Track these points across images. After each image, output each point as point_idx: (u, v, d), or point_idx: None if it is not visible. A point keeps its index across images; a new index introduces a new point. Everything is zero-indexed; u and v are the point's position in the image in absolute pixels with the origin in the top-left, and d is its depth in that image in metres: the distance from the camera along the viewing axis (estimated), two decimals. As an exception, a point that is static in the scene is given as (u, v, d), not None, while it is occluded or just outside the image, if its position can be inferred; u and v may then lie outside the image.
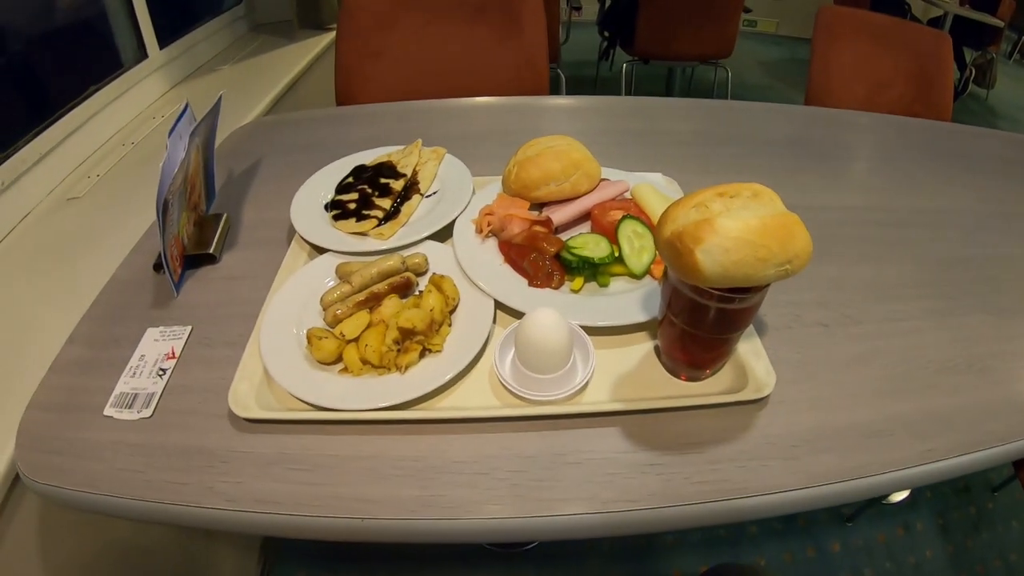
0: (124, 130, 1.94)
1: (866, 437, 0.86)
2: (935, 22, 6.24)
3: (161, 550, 1.45)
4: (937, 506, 2.30)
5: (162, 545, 1.46)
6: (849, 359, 1.00)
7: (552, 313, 0.84)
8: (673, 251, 0.75)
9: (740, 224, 0.72)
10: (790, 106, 1.94)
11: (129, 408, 0.86)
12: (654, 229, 1.02)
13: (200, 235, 1.16)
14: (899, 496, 2.32)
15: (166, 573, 1.47)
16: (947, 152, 1.71)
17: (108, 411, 0.86)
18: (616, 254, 1.05)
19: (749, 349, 0.95)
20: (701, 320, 0.82)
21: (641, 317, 0.97)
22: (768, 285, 0.79)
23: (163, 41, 2.27)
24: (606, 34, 4.88)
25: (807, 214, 1.26)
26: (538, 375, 0.84)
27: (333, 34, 2.59)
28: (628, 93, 4.71)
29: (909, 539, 2.19)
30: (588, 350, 0.90)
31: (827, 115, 1.92)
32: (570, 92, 1.82)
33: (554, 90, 1.91)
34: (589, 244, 1.05)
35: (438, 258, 1.09)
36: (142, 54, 2.17)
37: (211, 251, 1.13)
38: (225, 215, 1.22)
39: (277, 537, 1.82)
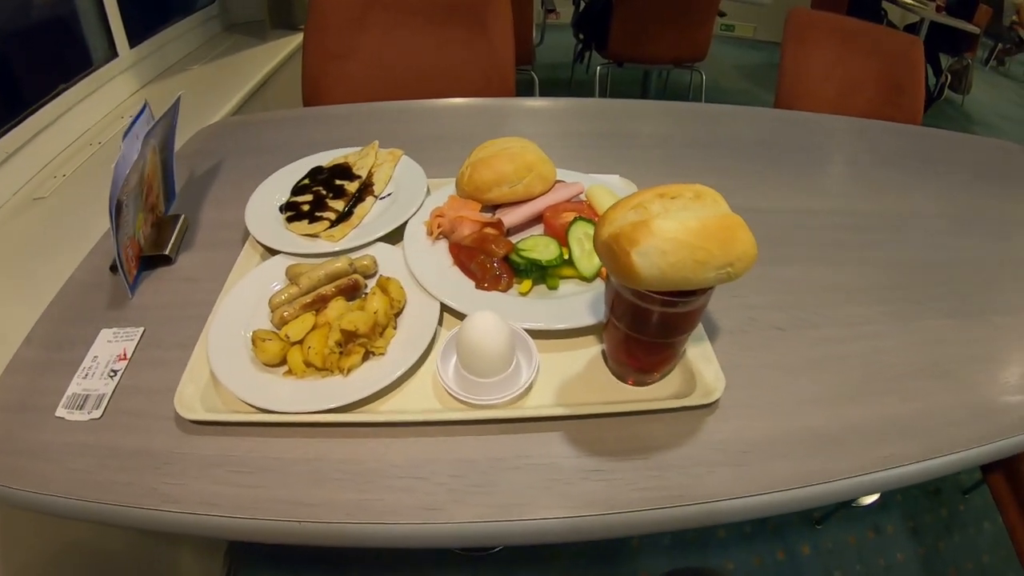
0: (92, 130, 1.93)
1: (820, 444, 0.86)
2: (911, 28, 6.31)
3: (123, 553, 1.45)
4: (907, 508, 2.31)
5: (124, 547, 1.46)
6: (805, 364, 0.99)
7: (491, 316, 0.84)
8: (610, 253, 0.74)
9: (678, 225, 0.72)
10: (758, 108, 1.94)
11: (80, 409, 0.87)
12: (597, 232, 1.04)
13: (157, 236, 1.16)
14: (869, 499, 2.33)
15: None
16: (915, 156, 1.72)
17: (60, 412, 0.87)
18: (566, 256, 1.05)
19: (699, 353, 0.95)
20: (644, 324, 0.81)
21: (589, 320, 0.96)
22: (711, 288, 0.78)
23: (134, 40, 2.26)
24: (581, 36, 4.91)
25: (769, 216, 1.29)
26: (479, 379, 0.84)
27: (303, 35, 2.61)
28: (603, 96, 4.73)
29: (880, 541, 2.20)
30: (532, 353, 0.90)
31: (795, 118, 1.93)
32: (544, 94, 1.83)
33: (528, 92, 1.91)
34: (538, 246, 1.06)
35: (388, 260, 1.08)
36: (112, 53, 2.16)
37: (167, 252, 1.13)
38: (183, 216, 1.22)
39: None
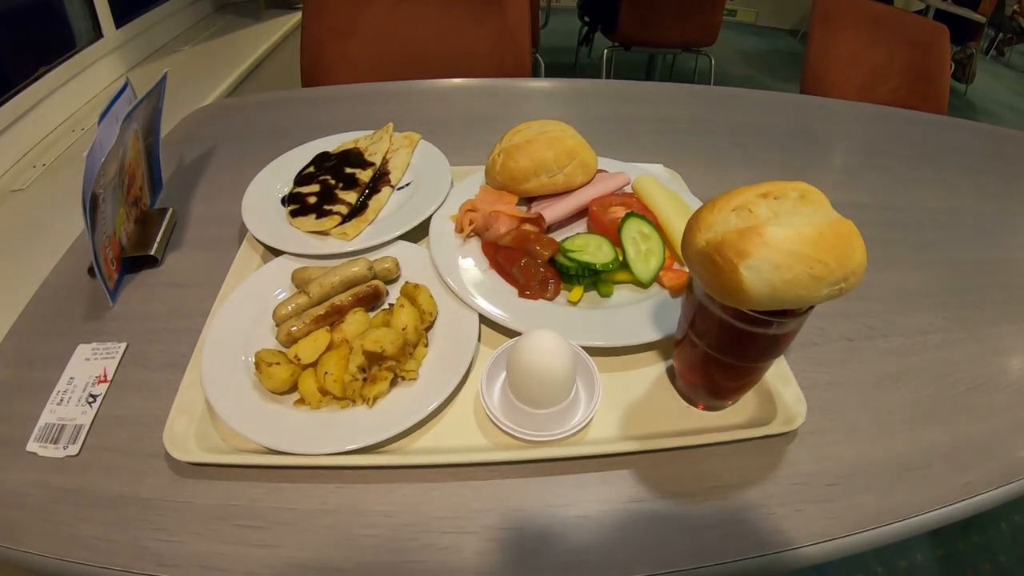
0: (75, 116, 1.85)
1: (905, 471, 0.79)
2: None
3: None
4: None
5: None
6: (879, 379, 0.92)
7: (553, 337, 0.70)
8: (710, 265, 0.60)
9: (794, 234, 0.58)
10: (787, 95, 1.85)
11: (55, 443, 0.77)
12: (662, 230, 0.92)
13: (141, 234, 1.04)
14: None
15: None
16: (947, 148, 1.64)
17: (31, 446, 0.77)
18: (620, 258, 0.92)
19: (776, 372, 0.85)
20: (730, 344, 0.69)
21: (653, 335, 0.85)
22: (812, 307, 0.66)
23: (120, 20, 2.17)
24: (586, 19, 4.84)
25: None
26: (535, 410, 0.71)
27: (300, 14, 2.51)
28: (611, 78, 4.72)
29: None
30: (593, 378, 0.77)
31: (827, 105, 1.84)
32: (549, 78, 1.73)
33: (534, 75, 1.80)
34: (590, 247, 0.92)
35: (411, 262, 0.96)
36: (97, 34, 2.07)
37: (152, 252, 1.01)
38: (171, 210, 1.11)
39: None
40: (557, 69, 5.46)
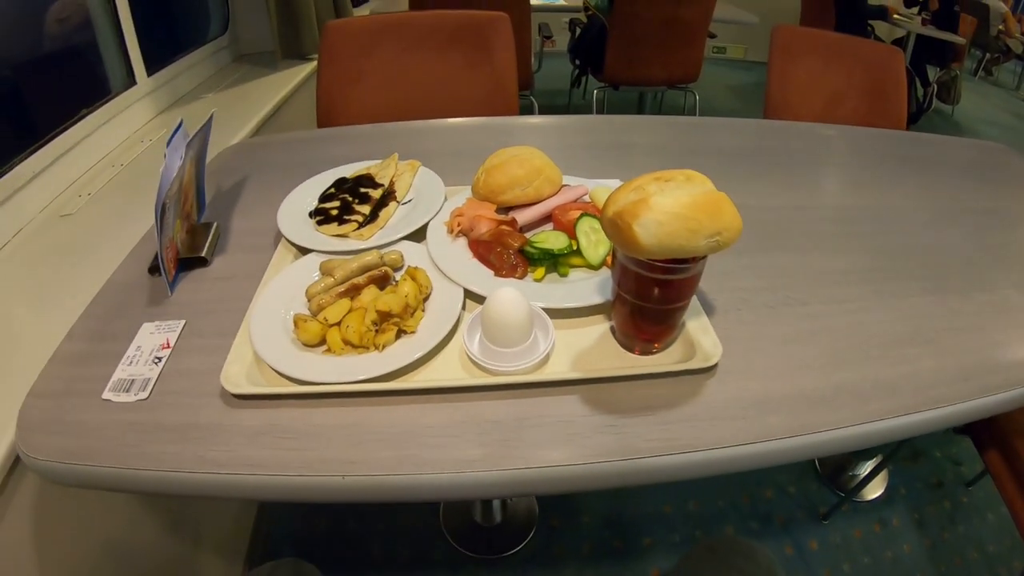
0: (114, 152, 1.99)
1: (812, 402, 0.94)
2: (898, 42, 6.49)
3: (148, 551, 1.50)
4: (912, 502, 2.38)
5: (150, 546, 1.50)
6: (796, 335, 1.08)
7: (512, 291, 0.93)
8: (615, 228, 0.85)
9: (672, 201, 0.82)
10: (748, 120, 2.04)
11: (127, 392, 0.92)
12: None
13: (192, 241, 1.24)
14: (874, 493, 2.39)
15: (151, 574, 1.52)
16: (898, 158, 1.82)
17: (106, 395, 0.91)
18: (574, 247, 1.15)
19: (697, 326, 1.04)
20: (648, 293, 0.91)
21: (597, 300, 1.06)
22: (705, 258, 0.88)
23: (151, 69, 2.34)
24: (577, 62, 5.05)
25: (759, 212, 1.40)
26: (502, 348, 0.93)
27: (314, 64, 2.74)
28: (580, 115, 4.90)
29: (886, 534, 2.26)
30: (548, 327, 0.99)
31: (783, 127, 2.04)
32: (526, 115, 1.93)
33: (525, 115, 2.01)
34: (550, 238, 1.15)
35: (413, 255, 1.17)
36: (131, 81, 2.23)
37: (203, 254, 1.20)
38: (215, 224, 1.30)
39: (263, 544, 1.89)
40: (551, 110, 5.61)
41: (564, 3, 4.83)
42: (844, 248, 1.34)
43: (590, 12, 4.61)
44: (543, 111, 3.97)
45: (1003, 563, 2.20)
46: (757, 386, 0.97)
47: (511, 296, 0.93)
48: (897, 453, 2.54)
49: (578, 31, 5.00)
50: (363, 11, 4.04)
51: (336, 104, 2.11)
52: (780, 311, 1.14)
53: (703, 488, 2.35)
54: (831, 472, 2.47)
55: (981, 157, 1.90)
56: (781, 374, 0.99)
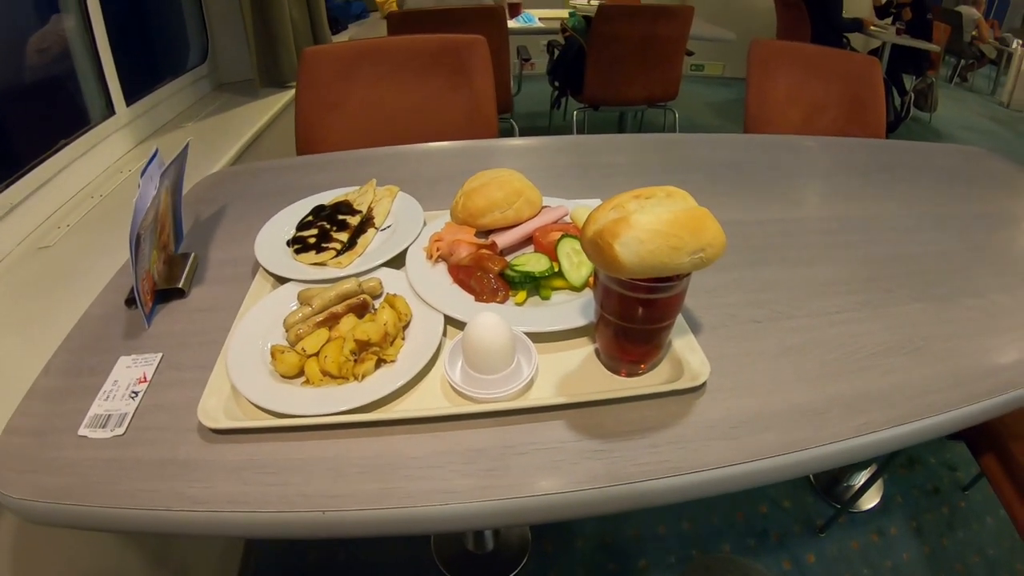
0: (93, 183, 1.99)
1: (804, 416, 0.93)
2: (874, 53, 6.61)
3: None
4: (909, 510, 2.38)
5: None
6: (785, 349, 1.07)
7: (492, 316, 0.92)
8: (596, 248, 0.83)
9: (653, 218, 0.81)
10: (728, 135, 2.05)
11: (103, 428, 0.90)
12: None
13: (169, 272, 1.22)
14: (870, 503, 2.39)
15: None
16: (880, 166, 1.83)
17: (83, 431, 0.89)
18: (556, 269, 1.13)
19: (684, 345, 1.03)
20: (632, 313, 0.90)
21: (581, 322, 1.04)
22: (689, 275, 0.88)
23: (130, 99, 2.34)
24: (556, 83, 5.07)
25: (744, 227, 1.40)
26: (484, 375, 0.91)
27: (293, 91, 2.71)
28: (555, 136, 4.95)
29: (884, 544, 2.25)
30: (531, 352, 0.97)
31: (763, 140, 2.05)
32: (505, 138, 1.93)
33: (505, 137, 2.01)
34: (531, 261, 1.14)
35: (392, 282, 1.15)
36: (110, 111, 2.23)
37: (180, 285, 1.18)
38: (193, 254, 1.28)
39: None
40: (532, 132, 5.60)
41: (542, 25, 4.84)
42: (830, 259, 1.34)
43: (567, 34, 4.65)
44: (524, 133, 4.04)
45: (1004, 566, 2.20)
46: (747, 403, 0.96)
47: (491, 321, 0.91)
48: (892, 462, 2.53)
49: (556, 53, 5.04)
50: (342, 37, 4.06)
51: (315, 131, 2.11)
52: (768, 326, 1.13)
53: (697, 507, 2.34)
54: (826, 484, 2.46)
55: (962, 162, 1.92)
56: (772, 390, 0.99)
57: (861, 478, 2.43)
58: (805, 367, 1.03)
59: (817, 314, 1.16)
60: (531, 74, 5.88)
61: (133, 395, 0.96)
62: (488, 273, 1.12)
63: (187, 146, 1.33)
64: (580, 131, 4.72)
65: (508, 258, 1.18)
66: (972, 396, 0.98)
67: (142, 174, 1.13)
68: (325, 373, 0.95)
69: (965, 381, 1.02)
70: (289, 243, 1.28)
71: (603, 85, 4.36)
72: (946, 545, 2.26)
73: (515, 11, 4.81)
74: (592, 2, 4.40)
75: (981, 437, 1.65)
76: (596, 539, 2.22)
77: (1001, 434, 1.60)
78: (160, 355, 1.04)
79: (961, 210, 1.59)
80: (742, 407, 0.95)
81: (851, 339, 1.10)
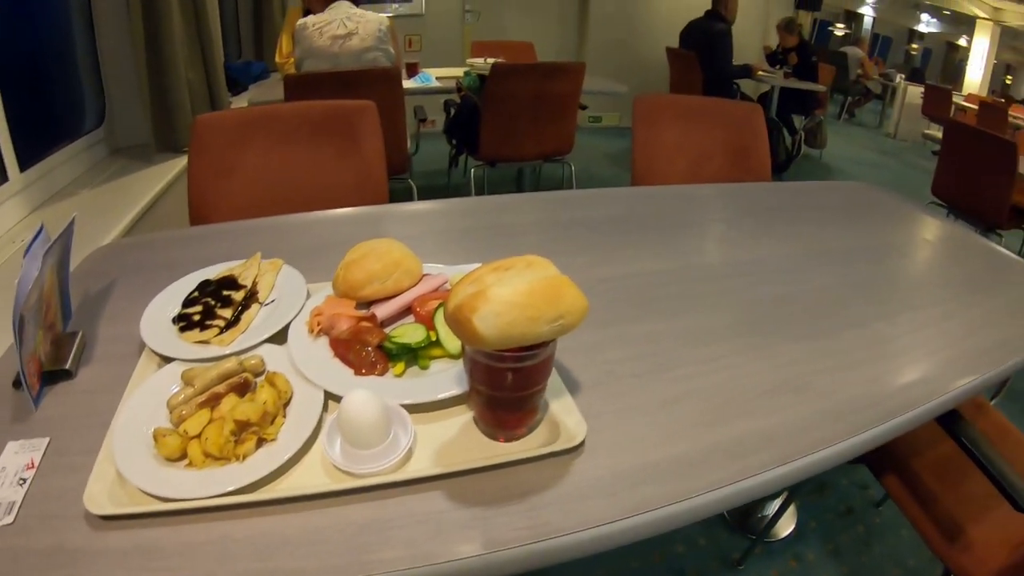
0: None
1: (685, 466, 0.97)
2: (764, 96, 6.91)
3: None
4: (824, 533, 2.45)
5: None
6: (664, 401, 1.11)
7: (363, 392, 0.95)
8: (456, 323, 0.89)
9: (510, 290, 0.87)
10: (617, 189, 2.15)
11: None
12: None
13: (56, 352, 1.21)
14: (785, 531, 2.45)
15: None
16: (763, 208, 1.94)
17: None
18: (433, 338, 1.17)
19: (561, 407, 1.07)
20: (500, 383, 0.94)
21: (459, 390, 1.08)
22: (553, 341, 0.92)
23: (24, 164, 2.32)
24: (453, 142, 5.15)
25: (628, 281, 1.45)
26: (361, 450, 0.94)
27: (188, 157, 2.70)
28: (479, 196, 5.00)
29: (803, 569, 2.31)
30: (407, 424, 1.00)
31: (651, 192, 2.14)
32: (423, 200, 1.95)
33: (406, 200, 2.04)
34: (408, 332, 1.17)
35: (274, 359, 1.17)
36: (3, 177, 2.21)
37: (67, 367, 1.18)
38: (81, 332, 1.28)
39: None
40: (432, 191, 5.77)
41: (439, 85, 4.88)
42: (715, 306, 1.40)
43: (463, 93, 4.71)
44: (423, 192, 4.06)
45: (924, 575, 2.28)
46: (628, 458, 0.99)
47: (362, 398, 0.95)
48: (801, 488, 2.60)
49: (452, 110, 5.09)
50: (241, 100, 4.05)
51: (208, 200, 2.11)
52: (650, 379, 1.17)
53: (612, 553, 2.34)
54: (739, 518, 2.52)
55: (844, 198, 2.04)
56: (653, 443, 1.02)
57: (773, 507, 2.49)
58: (686, 417, 1.08)
59: (699, 362, 1.21)
60: (431, 132, 5.93)
61: (21, 482, 0.95)
62: (367, 346, 1.15)
63: (73, 221, 1.32)
64: (479, 188, 4.77)
65: (388, 329, 1.22)
66: (855, 427, 1.04)
67: (26, 252, 1.14)
68: (207, 455, 0.97)
69: (847, 413, 1.08)
70: (174, 320, 1.29)
71: (498, 143, 4.41)
72: (865, 562, 2.33)
73: (413, 71, 4.86)
74: (488, 61, 4.45)
75: (881, 459, 1.72)
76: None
77: (899, 453, 1.68)
78: (48, 439, 1.03)
79: (842, 245, 1.69)
80: (622, 462, 0.98)
81: (735, 384, 1.15)
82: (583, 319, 0.93)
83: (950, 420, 1.38)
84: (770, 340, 1.28)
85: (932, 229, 2.05)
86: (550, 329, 0.89)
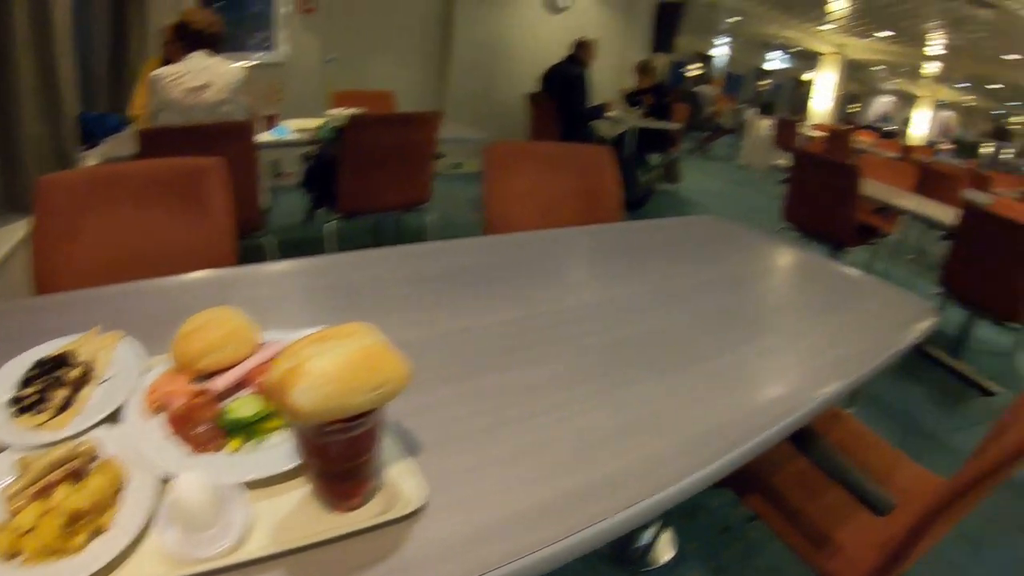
0: None
1: (531, 519, 0.99)
2: (620, 137, 7.21)
3: None
4: (705, 552, 2.53)
5: None
6: (515, 454, 1.13)
7: (191, 475, 0.95)
8: (275, 398, 0.90)
9: (327, 363, 0.89)
10: (468, 239, 2.15)
11: None
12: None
13: None
14: (665, 556, 2.50)
15: None
16: (614, 249, 2.03)
17: None
18: (271, 409, 1.16)
19: (401, 470, 1.07)
20: (327, 454, 0.95)
21: (291, 464, 1.08)
22: (377, 409, 0.94)
23: None
24: (311, 195, 5.15)
25: (478, 333, 1.47)
26: (195, 534, 0.94)
27: (34, 220, 2.61)
28: (334, 251, 4.96)
29: None
30: (242, 503, 1.00)
31: (504, 240, 2.18)
32: (285, 256, 1.92)
33: (261, 258, 2.01)
34: (243, 406, 1.16)
35: (111, 441, 1.14)
36: None
37: None
38: None
39: None
40: (293, 246, 5.60)
41: (296, 137, 4.78)
42: (562, 354, 1.42)
43: (318, 144, 4.71)
44: (284, 248, 4.03)
45: None
46: (469, 519, 1.00)
47: (191, 481, 0.94)
48: (673, 514, 2.64)
49: (311, 163, 5.10)
50: (93, 156, 3.94)
51: (54, 266, 2.04)
52: (496, 433, 1.19)
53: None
54: (617, 550, 2.54)
55: (692, 232, 2.13)
56: (498, 500, 1.03)
57: (649, 535, 2.55)
58: (535, 468, 1.10)
59: (549, 412, 1.23)
60: (291, 185, 5.90)
61: None
62: (200, 424, 1.15)
63: None
64: (338, 242, 4.70)
65: (226, 402, 1.20)
66: (703, 460, 1.09)
67: None
68: (42, 549, 0.94)
69: (693, 446, 1.13)
70: (9, 403, 1.24)
71: (356, 194, 4.40)
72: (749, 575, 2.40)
73: (272, 122, 4.78)
74: (346, 111, 4.45)
75: (743, 481, 1.79)
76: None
77: (758, 473, 1.76)
78: None
79: (692, 281, 1.78)
80: (463, 523, 0.99)
81: (583, 430, 1.18)
82: (406, 385, 0.95)
83: (800, 438, 1.44)
84: (618, 382, 1.31)
85: (779, 256, 2.16)
86: (371, 398, 0.91)
